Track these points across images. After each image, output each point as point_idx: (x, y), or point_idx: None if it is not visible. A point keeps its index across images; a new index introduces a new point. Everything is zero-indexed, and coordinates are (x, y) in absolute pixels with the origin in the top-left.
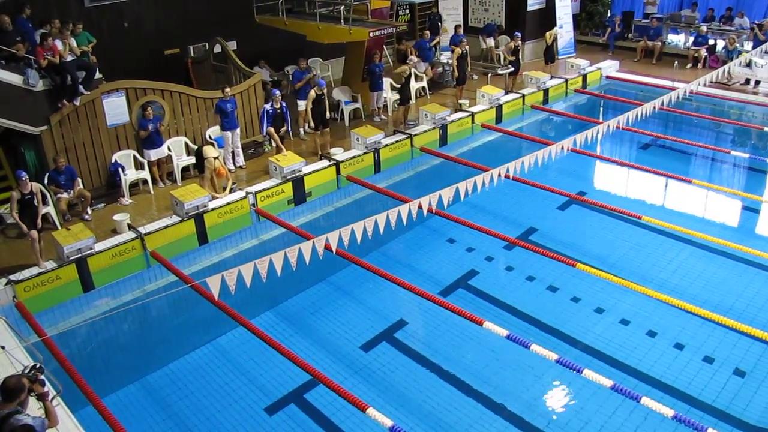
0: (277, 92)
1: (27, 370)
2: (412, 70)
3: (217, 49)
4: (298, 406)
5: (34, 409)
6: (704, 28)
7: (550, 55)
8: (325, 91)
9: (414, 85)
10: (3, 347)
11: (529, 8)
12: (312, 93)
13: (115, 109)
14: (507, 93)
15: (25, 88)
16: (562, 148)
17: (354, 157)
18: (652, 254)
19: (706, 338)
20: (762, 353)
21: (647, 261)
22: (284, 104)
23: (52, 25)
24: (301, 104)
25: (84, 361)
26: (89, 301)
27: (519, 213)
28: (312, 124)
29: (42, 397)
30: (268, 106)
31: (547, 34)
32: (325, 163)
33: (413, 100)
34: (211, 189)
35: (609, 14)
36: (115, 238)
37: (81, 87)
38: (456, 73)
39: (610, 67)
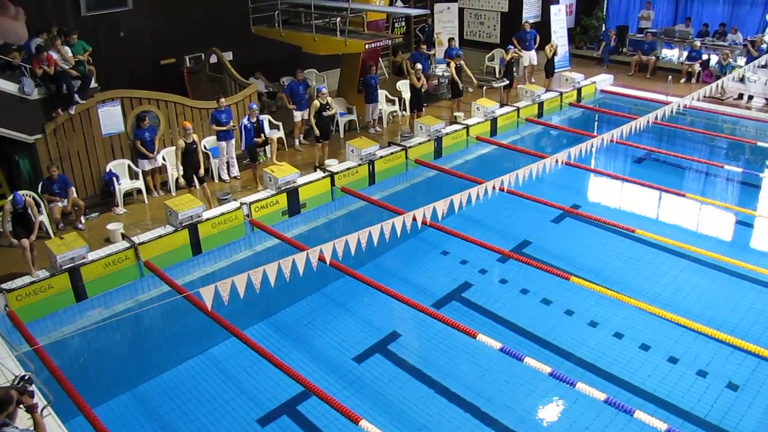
0: (254, 106)
1: (16, 382)
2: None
3: (213, 59)
4: (290, 418)
5: (23, 420)
6: (698, 43)
7: (550, 68)
8: (329, 100)
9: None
10: None
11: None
12: (315, 102)
13: (111, 118)
14: (502, 106)
15: (20, 96)
16: (557, 161)
17: (349, 168)
18: (645, 268)
19: (699, 352)
20: (755, 367)
21: (641, 274)
22: (260, 117)
23: (49, 34)
24: (297, 115)
25: (76, 371)
26: (82, 310)
27: (513, 226)
28: (308, 136)
29: (31, 409)
30: (245, 121)
31: (547, 47)
32: (319, 174)
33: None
34: (204, 200)
35: (604, 28)
36: (109, 248)
37: (76, 96)
38: (451, 85)
39: (604, 80)
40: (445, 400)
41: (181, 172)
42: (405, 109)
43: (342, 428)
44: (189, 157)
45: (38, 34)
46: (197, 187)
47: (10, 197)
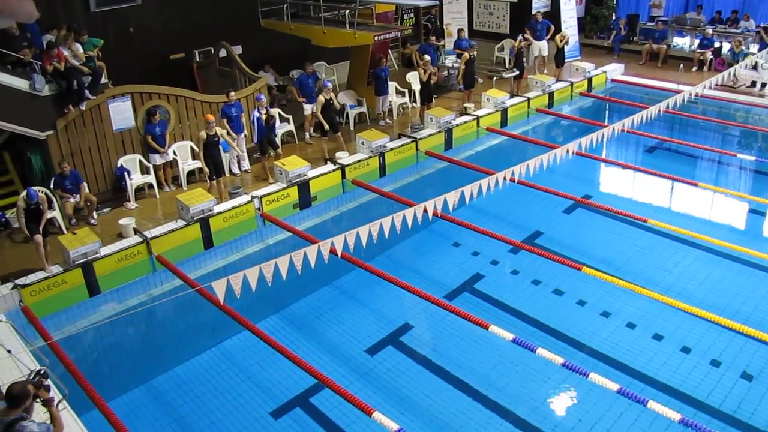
0: (262, 97)
1: (32, 376)
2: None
3: (223, 53)
4: (303, 410)
5: (39, 414)
6: (710, 30)
7: (560, 58)
8: (333, 96)
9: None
10: (9, 351)
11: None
12: (321, 98)
13: (121, 113)
14: (512, 96)
15: (32, 93)
16: (568, 151)
17: (359, 161)
18: (658, 257)
19: (712, 342)
20: None
21: (653, 264)
22: (269, 108)
23: (59, 30)
24: (307, 108)
25: (90, 365)
26: (95, 305)
27: (524, 216)
28: (316, 129)
29: (47, 403)
30: (256, 113)
31: (557, 37)
32: (330, 167)
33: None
34: (216, 194)
35: (614, 17)
36: (121, 243)
37: (87, 92)
38: (463, 77)
39: (615, 70)
40: (457, 391)
41: (202, 165)
42: (415, 101)
43: (355, 420)
44: (210, 149)
45: (48, 31)
46: (217, 179)
47: (23, 193)
